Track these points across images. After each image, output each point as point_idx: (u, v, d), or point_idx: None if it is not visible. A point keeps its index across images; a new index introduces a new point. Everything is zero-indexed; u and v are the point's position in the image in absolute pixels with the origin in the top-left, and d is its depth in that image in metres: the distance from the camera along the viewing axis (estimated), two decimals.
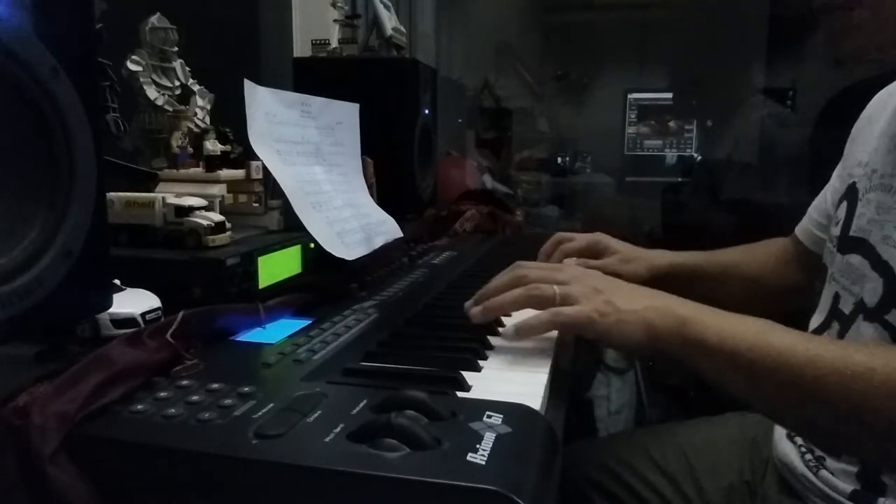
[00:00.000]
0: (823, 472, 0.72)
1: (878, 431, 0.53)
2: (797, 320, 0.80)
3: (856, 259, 0.72)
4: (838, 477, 0.71)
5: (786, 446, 0.80)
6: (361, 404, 0.45)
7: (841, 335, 0.73)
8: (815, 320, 0.80)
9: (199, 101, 0.89)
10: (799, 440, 0.78)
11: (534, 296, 0.64)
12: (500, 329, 0.69)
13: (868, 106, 0.83)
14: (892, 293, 0.65)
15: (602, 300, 0.62)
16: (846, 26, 0.73)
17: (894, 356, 0.53)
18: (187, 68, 0.91)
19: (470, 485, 0.36)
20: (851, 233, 0.74)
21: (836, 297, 0.76)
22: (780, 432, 0.83)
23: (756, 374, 0.56)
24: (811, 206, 0.95)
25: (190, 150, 0.85)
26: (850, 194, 0.77)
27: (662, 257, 1.01)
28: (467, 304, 0.68)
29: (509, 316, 0.71)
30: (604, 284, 0.65)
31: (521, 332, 0.64)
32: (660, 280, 1.00)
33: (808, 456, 0.76)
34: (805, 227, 0.96)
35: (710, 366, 0.59)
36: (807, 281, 0.91)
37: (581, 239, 1.03)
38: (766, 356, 0.56)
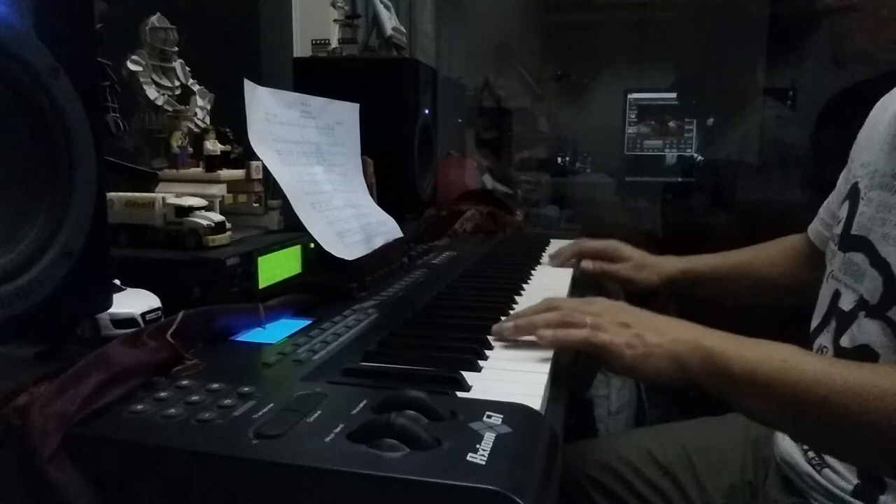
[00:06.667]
0: (826, 470, 0.73)
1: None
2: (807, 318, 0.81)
3: (857, 257, 0.73)
4: (840, 474, 0.71)
5: (788, 445, 0.80)
6: (361, 404, 0.45)
7: (839, 332, 0.73)
8: (815, 319, 0.81)
9: (199, 101, 0.89)
10: None
11: (566, 321, 0.66)
12: (535, 333, 0.67)
13: (873, 110, 0.84)
14: (891, 290, 0.66)
15: (631, 333, 0.64)
16: (845, 29, 0.75)
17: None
18: (187, 68, 0.91)
19: (470, 485, 0.36)
20: (853, 231, 0.75)
21: (836, 295, 0.76)
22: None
23: (783, 402, 0.58)
24: (822, 206, 0.97)
25: (190, 150, 0.85)
26: (853, 194, 0.78)
27: (674, 264, 1.05)
28: (496, 326, 0.69)
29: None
30: (631, 318, 0.66)
31: (558, 339, 0.65)
32: (671, 285, 1.03)
33: (811, 453, 0.76)
34: (815, 228, 0.97)
35: (739, 396, 0.60)
36: (818, 279, 0.93)
37: (598, 242, 1.09)
38: (793, 385, 0.57)
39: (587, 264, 1.08)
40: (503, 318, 0.73)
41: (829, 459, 0.73)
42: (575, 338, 0.64)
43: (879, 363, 0.66)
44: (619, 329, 0.64)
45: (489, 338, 0.67)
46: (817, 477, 0.74)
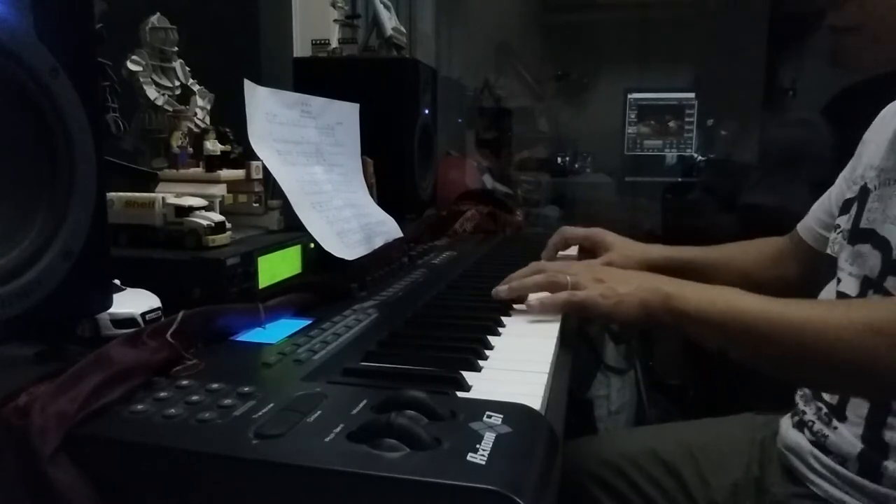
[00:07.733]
0: (830, 440, 0.75)
1: (824, 370, 0.65)
2: None
3: (864, 247, 0.76)
4: (844, 442, 0.73)
5: (795, 435, 0.81)
6: (361, 404, 0.45)
7: None
8: None
9: (199, 101, 0.89)
10: (807, 418, 0.80)
11: (551, 281, 0.79)
12: (524, 302, 0.79)
13: (879, 115, 0.86)
14: (888, 263, 0.71)
15: (605, 286, 0.75)
16: (847, 47, 0.79)
17: (830, 308, 0.64)
18: (187, 68, 0.91)
19: (470, 485, 0.36)
20: (861, 225, 0.78)
21: (840, 283, 0.79)
22: (786, 424, 0.84)
23: (727, 333, 0.69)
24: (815, 204, 0.98)
25: (190, 150, 0.85)
26: (862, 194, 0.81)
27: (658, 251, 1.07)
28: (495, 289, 0.82)
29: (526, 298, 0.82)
30: (605, 274, 0.79)
31: (544, 305, 0.77)
32: (654, 272, 1.04)
33: (817, 425, 0.78)
34: (808, 225, 0.98)
35: (693, 330, 0.71)
36: (802, 276, 0.97)
37: (581, 231, 1.12)
38: (733, 318, 0.68)
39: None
40: (503, 317, 0.76)
41: (833, 422, 0.75)
42: (559, 301, 0.76)
43: (824, 299, 0.75)
44: (595, 284, 0.76)
45: (489, 337, 0.67)
46: (819, 454, 0.76)
